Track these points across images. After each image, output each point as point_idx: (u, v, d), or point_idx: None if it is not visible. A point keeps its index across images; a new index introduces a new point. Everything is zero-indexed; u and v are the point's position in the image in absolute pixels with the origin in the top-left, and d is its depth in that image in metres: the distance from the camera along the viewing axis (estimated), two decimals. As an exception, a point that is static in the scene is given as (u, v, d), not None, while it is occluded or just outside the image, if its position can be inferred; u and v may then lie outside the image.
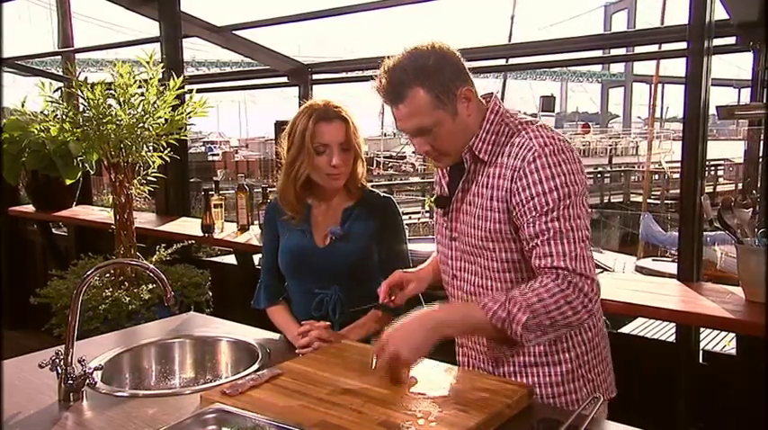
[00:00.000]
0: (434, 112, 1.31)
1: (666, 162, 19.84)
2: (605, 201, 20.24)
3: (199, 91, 2.92)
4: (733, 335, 2.69)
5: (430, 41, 1.32)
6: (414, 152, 29.66)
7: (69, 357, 1.41)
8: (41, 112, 3.06)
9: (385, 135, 34.94)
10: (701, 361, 2.35)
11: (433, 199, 1.54)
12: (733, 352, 2.40)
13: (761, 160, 2.52)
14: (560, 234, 1.26)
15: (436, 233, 1.55)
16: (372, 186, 1.87)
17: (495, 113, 1.38)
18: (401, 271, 1.57)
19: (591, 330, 1.43)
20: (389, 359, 1.27)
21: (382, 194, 1.84)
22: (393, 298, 1.56)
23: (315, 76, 3.96)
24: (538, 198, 1.27)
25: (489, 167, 1.36)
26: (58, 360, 1.41)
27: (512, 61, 4.29)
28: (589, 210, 1.34)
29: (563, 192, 1.27)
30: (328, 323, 1.69)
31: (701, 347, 2.38)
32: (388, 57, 1.33)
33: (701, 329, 2.45)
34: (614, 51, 4.14)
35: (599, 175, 22.59)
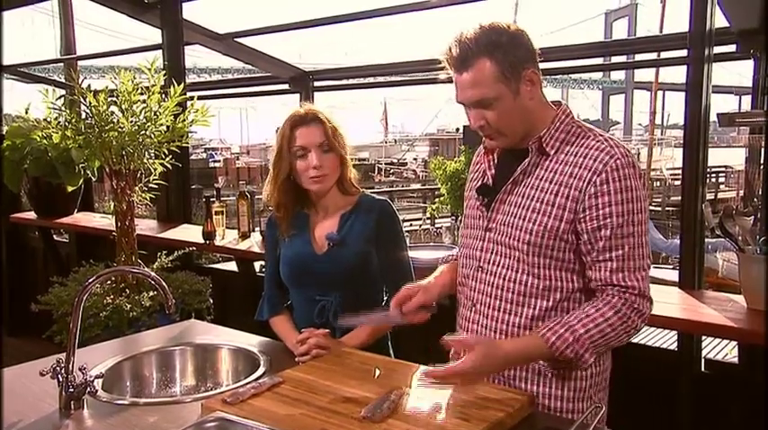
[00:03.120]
0: (497, 85, 1.31)
1: (668, 169, 19.83)
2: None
3: (200, 98, 2.93)
4: (735, 343, 2.68)
5: (508, 22, 1.34)
6: (414, 159, 29.70)
7: (70, 365, 1.41)
8: (44, 119, 3.06)
9: (386, 142, 34.97)
10: (702, 369, 2.34)
11: (476, 187, 1.49)
12: (735, 360, 2.39)
13: (762, 167, 2.52)
14: (633, 250, 1.30)
15: (464, 225, 1.53)
16: (374, 193, 1.88)
17: (566, 115, 1.40)
18: (407, 286, 1.54)
19: (605, 353, 1.43)
20: (455, 381, 1.29)
21: (379, 197, 1.84)
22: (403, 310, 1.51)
23: (316, 83, 3.98)
24: (616, 207, 1.29)
25: (556, 164, 1.35)
26: (59, 367, 1.41)
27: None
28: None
29: (637, 207, 1.30)
30: (327, 331, 1.69)
31: (702, 355, 2.38)
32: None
33: (703, 337, 2.44)
34: (615, 59, 4.15)
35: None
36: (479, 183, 1.50)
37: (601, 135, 1.36)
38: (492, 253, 1.42)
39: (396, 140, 37.39)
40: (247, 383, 1.45)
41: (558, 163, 1.35)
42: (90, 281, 1.49)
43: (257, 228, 3.28)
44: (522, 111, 1.35)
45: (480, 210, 1.46)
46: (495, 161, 1.48)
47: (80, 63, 5.29)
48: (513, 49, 1.31)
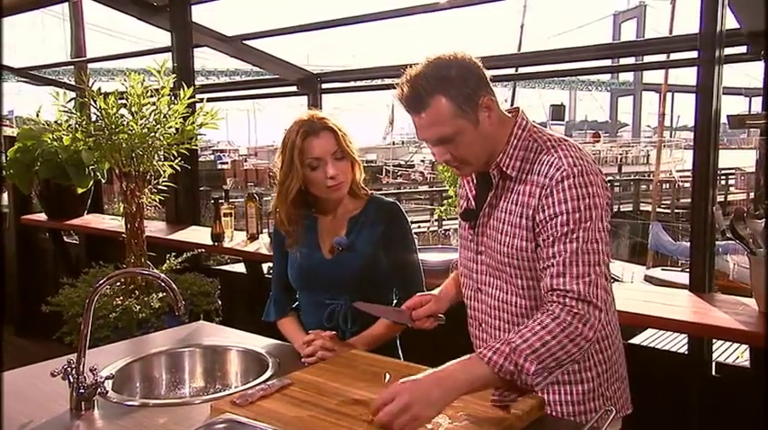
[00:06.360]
0: (456, 121, 1.30)
1: (677, 171, 19.73)
2: (615, 210, 20.14)
3: (209, 100, 2.94)
4: (746, 346, 2.66)
5: (452, 52, 1.33)
6: (422, 161, 29.68)
7: (81, 366, 1.42)
8: (55, 122, 3.09)
9: (393, 143, 34.93)
10: (713, 373, 2.32)
11: (460, 212, 1.52)
12: (746, 364, 2.37)
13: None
14: (576, 255, 1.25)
15: (460, 247, 1.54)
16: (381, 195, 1.87)
17: (522, 129, 1.38)
18: (421, 293, 1.58)
19: (610, 348, 1.42)
20: (397, 410, 1.12)
21: (387, 200, 1.83)
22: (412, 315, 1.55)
23: (324, 85, 3.99)
24: (560, 217, 1.27)
25: (519, 184, 1.35)
26: (69, 368, 1.41)
27: (521, 70, 4.31)
28: (608, 233, 1.31)
29: (585, 215, 1.26)
30: (333, 333, 1.69)
31: (713, 359, 2.36)
32: (410, 66, 1.33)
33: (714, 341, 2.42)
34: (623, 60, 4.14)
35: (609, 185, 22.40)
36: (464, 205, 1.52)
37: (554, 146, 1.33)
38: (486, 275, 1.45)
39: (403, 142, 37.38)
40: (256, 385, 1.45)
41: (521, 183, 1.35)
42: (100, 282, 1.49)
43: (265, 230, 3.28)
44: (484, 137, 1.34)
45: (470, 233, 1.48)
46: (475, 182, 1.49)
47: (90, 65, 5.34)
48: (464, 80, 1.29)
